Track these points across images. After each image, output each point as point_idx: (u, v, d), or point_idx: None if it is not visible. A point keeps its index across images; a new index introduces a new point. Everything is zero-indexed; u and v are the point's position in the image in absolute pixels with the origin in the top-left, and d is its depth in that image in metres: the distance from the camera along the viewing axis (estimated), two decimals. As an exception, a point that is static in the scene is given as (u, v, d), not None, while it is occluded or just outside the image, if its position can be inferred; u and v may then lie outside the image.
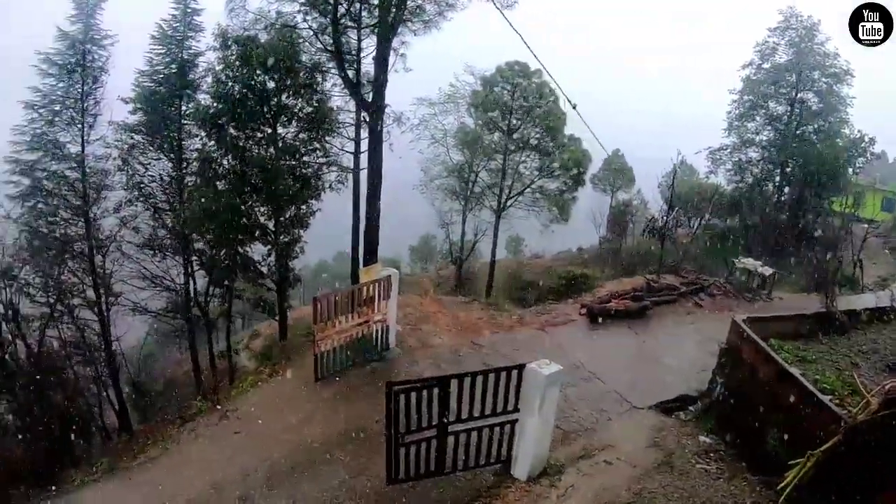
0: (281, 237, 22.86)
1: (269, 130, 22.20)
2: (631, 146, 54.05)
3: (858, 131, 37.85)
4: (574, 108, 12.83)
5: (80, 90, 23.08)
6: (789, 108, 39.10)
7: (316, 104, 22.85)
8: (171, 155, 24.24)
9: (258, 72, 21.17)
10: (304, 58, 22.77)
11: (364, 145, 24.27)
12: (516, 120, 35.80)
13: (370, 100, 22.07)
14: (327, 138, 24.14)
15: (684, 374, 16.19)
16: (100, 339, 24.70)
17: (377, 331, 17.11)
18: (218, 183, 22.04)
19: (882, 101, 45.89)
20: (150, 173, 24.36)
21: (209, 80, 22.87)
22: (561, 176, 36.75)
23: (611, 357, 17.81)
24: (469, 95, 37.31)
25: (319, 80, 23.10)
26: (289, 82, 21.85)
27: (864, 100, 38.87)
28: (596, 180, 53.79)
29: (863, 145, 37.45)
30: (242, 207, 21.78)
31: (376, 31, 22.36)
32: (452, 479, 11.81)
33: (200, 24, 24.42)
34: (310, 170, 23.35)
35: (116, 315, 25.42)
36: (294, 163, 22.68)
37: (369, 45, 24.22)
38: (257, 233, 22.72)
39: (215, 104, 21.66)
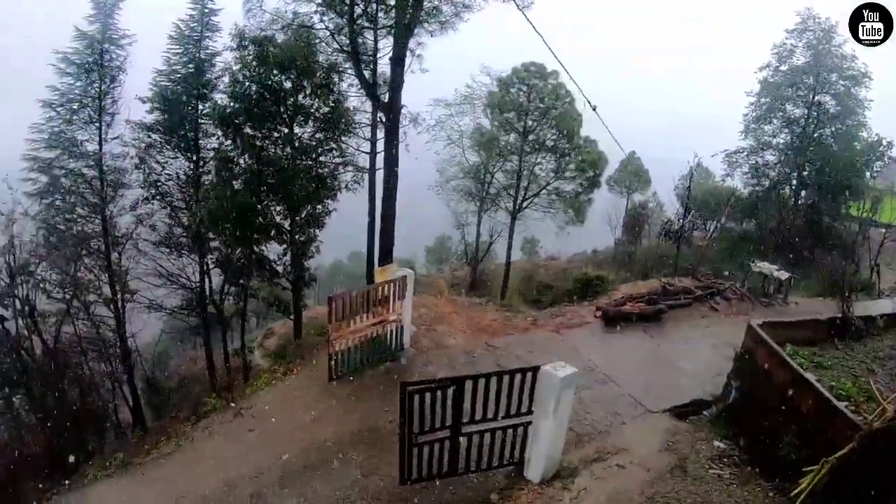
0: (297, 236, 22.96)
1: (286, 130, 22.29)
2: (638, 146, 53.90)
3: (876, 135, 37.44)
4: (594, 109, 12.83)
5: (98, 89, 23.15)
6: (806, 111, 38.70)
7: (332, 104, 22.87)
8: (188, 154, 24.32)
9: (275, 72, 21.26)
10: (320, 58, 22.78)
11: (380, 146, 24.36)
12: (532, 121, 35.73)
13: (386, 100, 22.10)
14: (343, 138, 24.14)
15: (699, 379, 16.10)
16: (115, 335, 24.81)
17: (392, 331, 17.14)
18: (234, 182, 22.13)
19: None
20: (166, 172, 24.43)
21: (226, 79, 22.98)
22: (577, 178, 36.69)
23: (625, 360, 17.75)
24: (485, 96, 37.28)
25: (336, 80, 23.12)
26: (305, 82, 21.93)
27: (882, 103, 38.53)
28: (612, 182, 53.72)
29: (881, 149, 37.02)
30: (258, 207, 21.90)
31: (393, 31, 22.36)
32: (465, 479, 11.85)
33: (217, 25, 24.45)
34: (326, 170, 23.41)
35: (132, 312, 25.50)
36: (310, 163, 22.73)
37: (386, 45, 24.22)
38: (273, 232, 22.82)
39: (232, 104, 21.74)
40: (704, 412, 14.61)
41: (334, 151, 23.78)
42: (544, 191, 37.53)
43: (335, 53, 23.77)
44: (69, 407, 22.03)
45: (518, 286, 38.71)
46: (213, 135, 23.88)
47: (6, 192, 21.11)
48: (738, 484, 11.22)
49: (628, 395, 15.46)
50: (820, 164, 37.30)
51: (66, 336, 23.34)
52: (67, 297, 23.00)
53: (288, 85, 21.80)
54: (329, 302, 15.70)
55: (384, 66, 24.12)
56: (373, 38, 24.74)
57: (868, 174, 37.83)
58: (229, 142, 22.49)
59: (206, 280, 25.37)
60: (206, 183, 23.84)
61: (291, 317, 24.44)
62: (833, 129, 38.33)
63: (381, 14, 23.98)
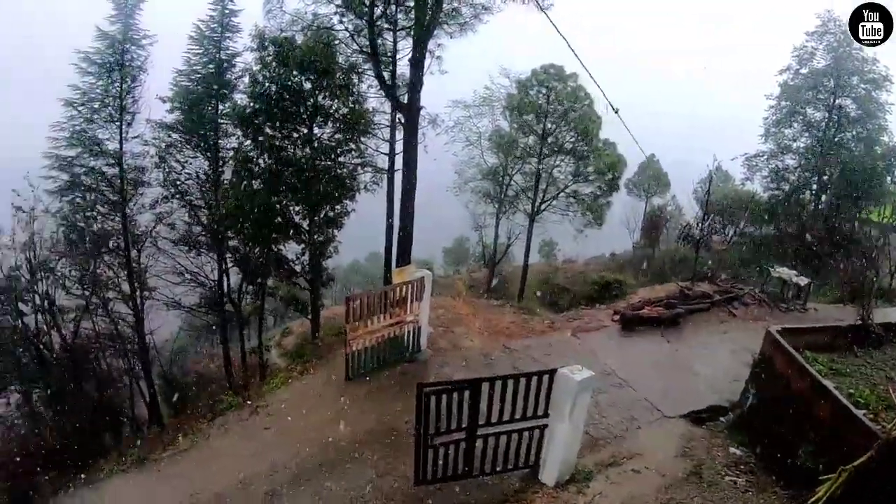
0: (315, 236, 23.07)
1: (305, 131, 22.41)
2: (658, 148, 53.89)
3: (898, 138, 37.10)
4: (616, 112, 12.78)
5: (119, 88, 23.35)
6: (827, 115, 38.36)
7: (352, 105, 22.98)
8: (208, 153, 24.56)
9: (295, 72, 21.39)
10: (340, 59, 22.93)
11: (399, 147, 24.44)
12: (551, 123, 35.59)
13: (405, 101, 22.16)
14: (362, 139, 24.28)
15: (716, 384, 15.95)
16: (133, 332, 25.04)
17: (409, 332, 17.11)
18: (253, 182, 22.30)
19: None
20: (186, 171, 24.71)
21: (246, 80, 23.19)
22: (595, 180, 36.56)
23: (642, 364, 17.63)
24: (504, 98, 37.21)
25: (355, 81, 23.25)
26: (325, 83, 22.02)
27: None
28: (630, 185, 53.56)
29: (902, 153, 36.70)
30: (277, 206, 22.04)
31: (412, 33, 22.44)
32: (480, 481, 11.82)
33: (238, 25, 24.68)
34: (345, 170, 23.50)
35: (150, 309, 25.74)
36: (329, 163, 22.85)
37: (405, 46, 24.41)
38: (291, 232, 22.96)
39: (252, 104, 21.90)
40: (721, 418, 14.51)
41: (353, 152, 23.92)
42: (563, 193, 37.41)
43: (355, 54, 23.98)
44: (86, 402, 22.27)
45: (536, 289, 38.62)
46: (233, 135, 24.14)
47: (27, 190, 21.38)
48: (753, 491, 11.15)
49: (645, 400, 15.37)
50: (840, 169, 36.90)
51: (85, 332, 23.60)
52: (86, 293, 23.24)
53: (308, 85, 21.91)
54: (347, 302, 15.76)
55: (403, 68, 24.32)
56: (392, 40, 24.92)
57: (889, 179, 37.35)
58: (249, 142, 22.66)
59: (225, 278, 25.58)
60: (226, 182, 24.02)
61: (309, 316, 24.55)
62: (854, 132, 37.98)
63: (400, 15, 24.16)
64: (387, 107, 25.92)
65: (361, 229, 28.06)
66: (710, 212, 33.85)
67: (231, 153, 24.00)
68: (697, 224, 31.47)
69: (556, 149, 36.12)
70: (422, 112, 22.93)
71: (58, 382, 22.07)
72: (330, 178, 22.55)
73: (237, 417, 16.01)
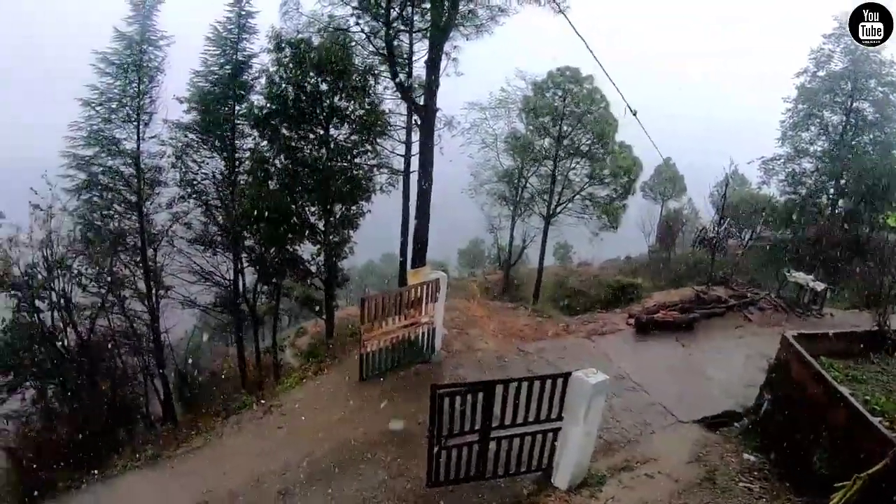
0: (331, 237, 23.15)
1: (322, 132, 22.52)
2: (674, 151, 53.61)
3: (916, 142, 36.74)
4: (635, 115, 12.71)
5: (136, 89, 23.52)
6: (844, 118, 38.03)
7: (368, 106, 23.02)
8: (224, 153, 24.67)
9: (311, 74, 21.48)
10: (356, 60, 22.97)
11: (415, 148, 24.49)
12: (567, 126, 35.40)
13: (421, 103, 22.19)
14: (378, 140, 24.30)
15: (731, 389, 15.89)
16: (148, 329, 25.20)
17: (423, 333, 17.15)
18: (269, 182, 22.40)
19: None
20: (202, 171, 24.84)
21: (263, 81, 23.26)
22: (611, 183, 36.35)
23: (657, 369, 17.59)
24: (520, 100, 37.03)
25: (371, 82, 23.24)
26: (341, 85, 22.08)
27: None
28: (646, 188, 53.33)
29: (920, 157, 36.33)
30: (293, 207, 22.12)
31: (428, 35, 22.48)
32: (492, 484, 11.84)
33: (254, 27, 24.78)
34: (361, 171, 23.58)
35: (166, 307, 25.89)
36: (345, 164, 22.93)
37: (421, 48, 24.42)
38: (307, 232, 23.03)
39: (268, 105, 22.03)
40: (735, 424, 14.45)
41: (369, 153, 23.98)
42: (578, 196, 37.19)
43: (371, 56, 23.99)
44: (101, 398, 22.43)
45: (550, 291, 38.52)
46: (249, 135, 24.26)
47: (45, 188, 21.55)
48: (767, 498, 11.11)
49: (659, 404, 15.34)
50: (858, 173, 36.58)
51: (101, 329, 23.74)
52: (103, 291, 23.39)
53: (324, 87, 22.00)
54: (362, 303, 15.83)
55: (419, 69, 24.32)
56: (408, 42, 24.93)
57: (907, 183, 37.07)
58: (265, 142, 22.80)
59: (240, 278, 25.71)
60: (242, 182, 24.12)
61: (323, 316, 24.61)
62: (871, 136, 37.58)
63: (416, 17, 24.17)
64: (403, 108, 25.98)
65: (377, 230, 28.11)
66: (726, 215, 33.72)
67: (247, 154, 24.12)
68: (713, 228, 31.37)
69: (571, 151, 35.90)
70: (438, 114, 22.96)
71: (73, 379, 22.18)
72: (346, 179, 22.63)
73: (251, 416, 16.04)
